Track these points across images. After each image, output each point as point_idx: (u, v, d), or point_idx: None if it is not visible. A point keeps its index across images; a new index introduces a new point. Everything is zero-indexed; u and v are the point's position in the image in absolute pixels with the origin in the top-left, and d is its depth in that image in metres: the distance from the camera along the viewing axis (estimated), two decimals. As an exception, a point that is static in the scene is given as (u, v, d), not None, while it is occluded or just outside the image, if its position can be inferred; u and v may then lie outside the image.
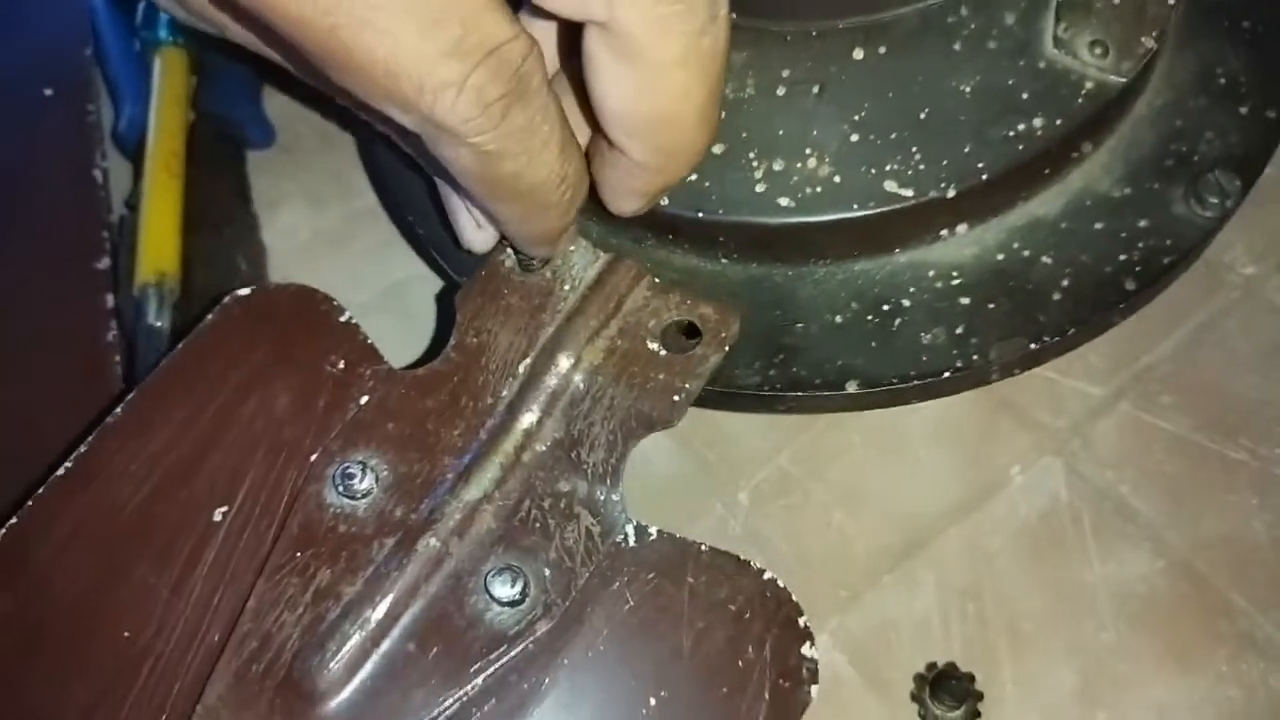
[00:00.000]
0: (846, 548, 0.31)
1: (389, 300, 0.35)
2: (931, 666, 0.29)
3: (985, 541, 0.30)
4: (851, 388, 0.29)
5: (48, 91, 0.40)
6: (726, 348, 0.28)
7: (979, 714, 0.28)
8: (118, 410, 0.27)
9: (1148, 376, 0.32)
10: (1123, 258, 0.30)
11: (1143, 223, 0.30)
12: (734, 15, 0.30)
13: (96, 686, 0.24)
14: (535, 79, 0.22)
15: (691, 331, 0.28)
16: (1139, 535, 0.30)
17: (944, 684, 0.28)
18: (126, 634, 0.25)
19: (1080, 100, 0.30)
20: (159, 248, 0.35)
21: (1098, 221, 0.30)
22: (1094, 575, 0.30)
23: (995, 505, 0.31)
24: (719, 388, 0.28)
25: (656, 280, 0.28)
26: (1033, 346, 0.29)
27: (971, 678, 0.28)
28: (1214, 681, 0.28)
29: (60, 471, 0.27)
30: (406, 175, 0.33)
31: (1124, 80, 0.30)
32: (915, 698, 0.29)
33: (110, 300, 0.35)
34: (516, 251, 0.28)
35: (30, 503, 0.26)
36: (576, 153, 0.25)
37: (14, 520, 0.26)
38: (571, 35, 0.24)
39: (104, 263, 0.36)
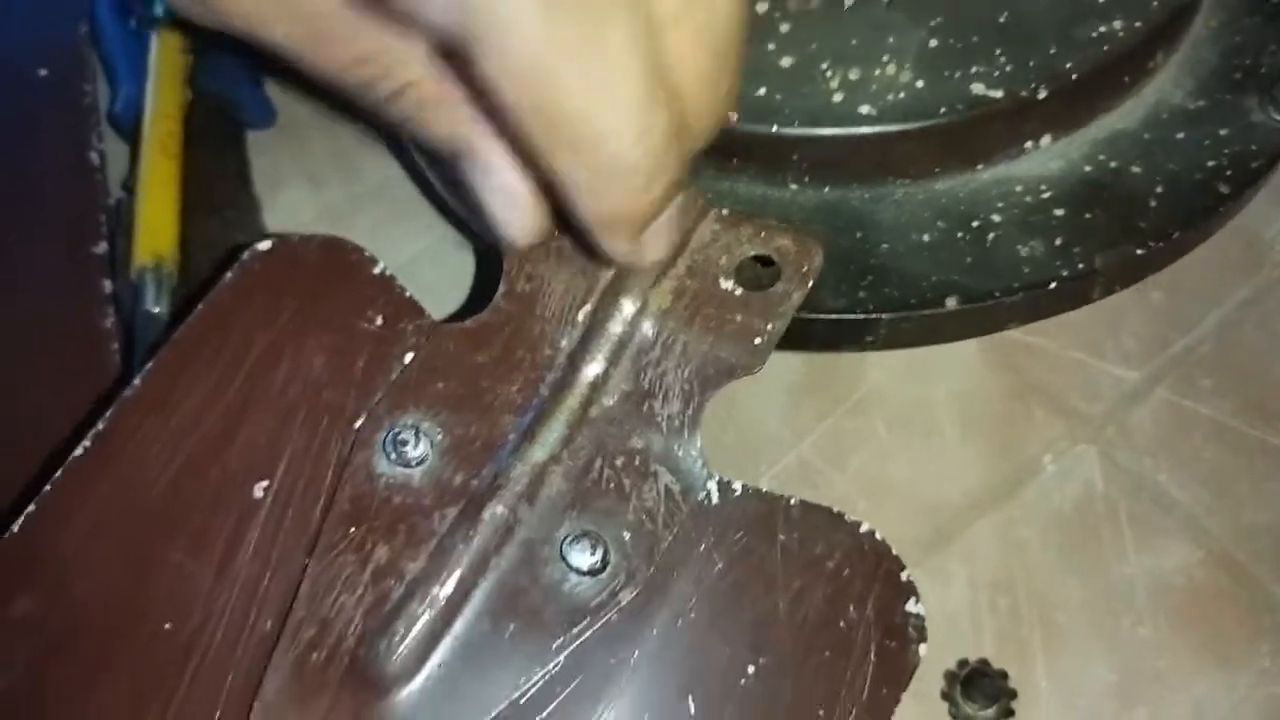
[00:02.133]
0: None
1: (402, 279, 0.33)
2: (963, 664, 0.28)
3: (1017, 533, 0.29)
4: (952, 303, 0.27)
5: (42, 72, 0.39)
6: (810, 282, 0.25)
7: (1012, 713, 0.27)
8: (135, 382, 0.25)
9: (1185, 360, 0.31)
10: (1211, 164, 0.29)
11: (1224, 131, 0.30)
12: None
13: (138, 689, 0.22)
14: None
15: (767, 266, 0.26)
16: (1177, 525, 0.29)
17: (976, 682, 0.27)
18: (168, 626, 0.23)
19: (1155, 4, 0.29)
20: (156, 231, 0.34)
21: (1179, 132, 0.30)
22: (1131, 567, 0.29)
23: (1027, 495, 0.30)
24: (802, 314, 0.26)
25: (725, 212, 0.26)
26: (1139, 253, 0.28)
27: (1004, 675, 0.27)
28: (1256, 677, 0.27)
29: (78, 452, 0.24)
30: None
31: None
32: (946, 696, 0.28)
33: (108, 285, 0.34)
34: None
35: (46, 490, 0.24)
36: (665, 110, 0.20)
37: (30, 509, 0.23)
38: None
39: (101, 247, 0.35)
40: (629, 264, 0.24)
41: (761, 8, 0.30)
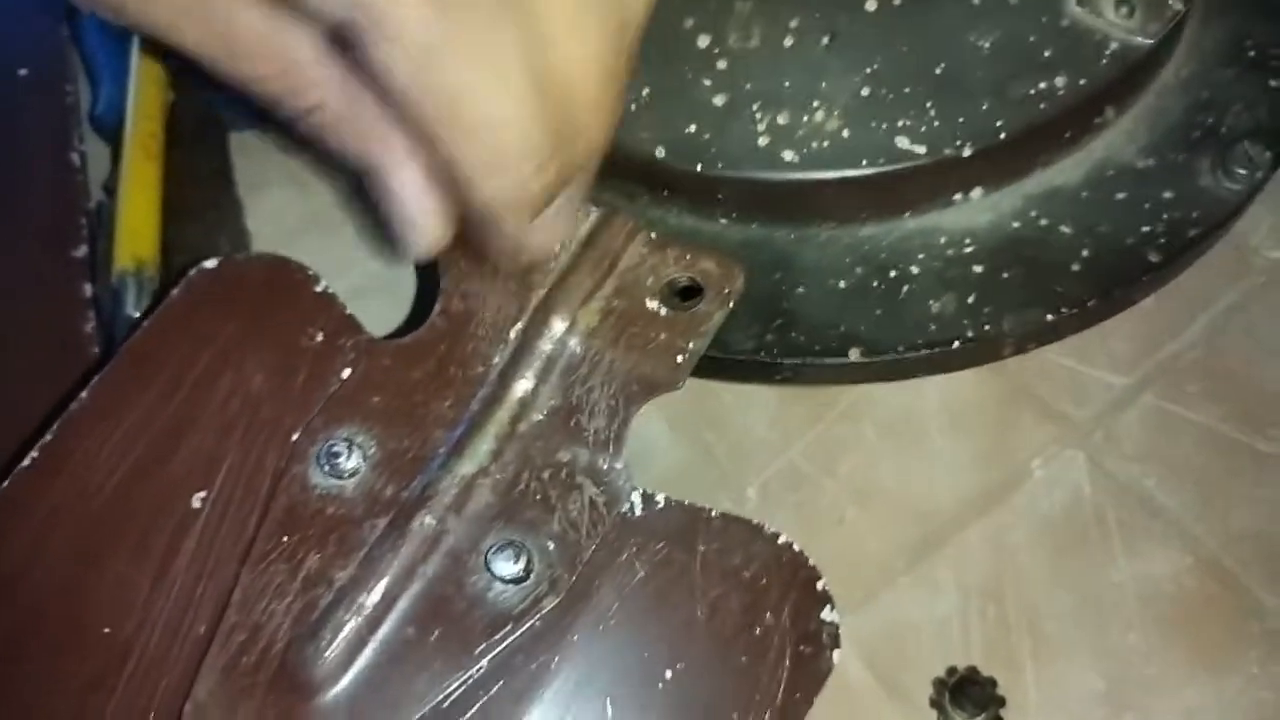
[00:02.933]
0: (860, 546, 0.30)
1: (381, 283, 0.33)
2: (952, 671, 0.28)
3: (1006, 539, 0.29)
4: (854, 355, 0.28)
5: (22, 72, 0.38)
6: (731, 303, 0.26)
7: (1001, 720, 0.27)
8: (82, 395, 0.26)
9: (1173, 365, 0.31)
10: (1146, 229, 0.29)
11: (1167, 194, 0.29)
12: None
13: (77, 689, 0.23)
14: None
15: (691, 290, 0.27)
16: (1166, 531, 0.29)
17: (965, 689, 0.27)
18: (107, 630, 0.23)
19: (1104, 61, 0.29)
20: (137, 234, 0.34)
21: (1120, 192, 0.29)
22: (1119, 574, 0.29)
23: (1016, 501, 0.30)
24: (714, 353, 0.27)
25: (653, 235, 0.27)
26: (1049, 318, 0.28)
27: (993, 682, 0.27)
28: (1245, 684, 0.27)
29: (25, 463, 0.25)
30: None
31: (1150, 43, 0.29)
32: (935, 704, 0.28)
33: (89, 289, 0.33)
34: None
35: (-6, 495, 0.24)
36: (552, 100, 0.21)
37: (-24, 517, 0.24)
38: None
39: (82, 250, 0.34)
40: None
41: (703, 41, 0.30)
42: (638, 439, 0.30)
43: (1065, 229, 0.29)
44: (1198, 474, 0.30)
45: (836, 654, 0.24)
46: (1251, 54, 0.31)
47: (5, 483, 0.25)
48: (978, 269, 0.29)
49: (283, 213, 0.36)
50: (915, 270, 0.29)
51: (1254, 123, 0.30)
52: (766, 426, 0.31)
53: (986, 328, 0.28)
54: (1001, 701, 0.27)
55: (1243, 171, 0.29)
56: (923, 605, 0.29)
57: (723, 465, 0.31)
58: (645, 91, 0.29)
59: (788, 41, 0.29)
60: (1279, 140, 0.29)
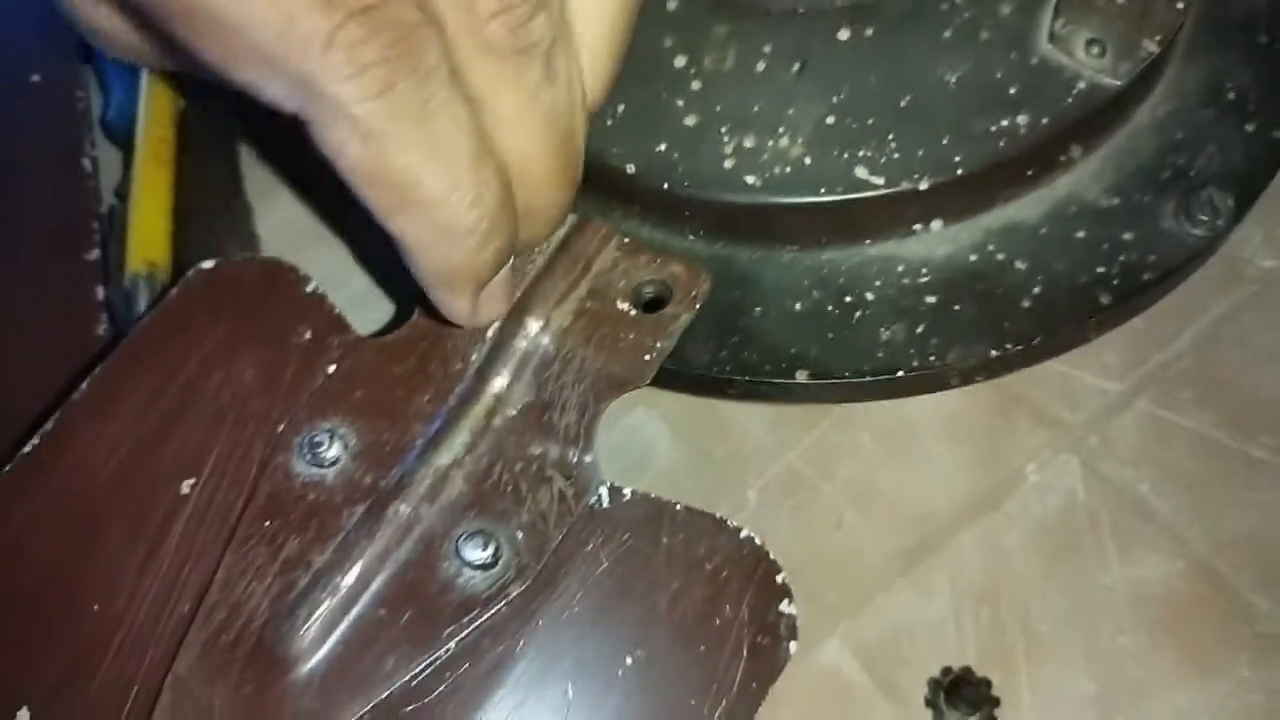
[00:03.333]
0: (858, 549, 0.30)
1: (386, 289, 0.35)
2: (947, 671, 0.28)
3: (1001, 542, 0.30)
4: (801, 377, 0.28)
5: (35, 78, 0.39)
6: (697, 306, 0.27)
7: (995, 720, 0.28)
8: (82, 387, 0.27)
9: (1166, 372, 0.31)
10: (1100, 270, 0.29)
11: (1127, 235, 0.29)
12: None
13: (68, 660, 0.24)
14: (430, 55, 0.20)
15: (659, 300, 0.28)
16: (1158, 536, 0.29)
17: (960, 689, 0.27)
18: (97, 607, 0.25)
19: (1070, 100, 0.28)
20: (149, 238, 0.35)
21: (1080, 230, 0.29)
22: (1112, 577, 0.29)
23: (1011, 505, 0.30)
24: (671, 365, 0.28)
25: (626, 240, 0.28)
26: (994, 354, 0.28)
27: (988, 683, 0.28)
28: (1235, 686, 0.27)
29: (26, 449, 0.26)
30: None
31: (1119, 83, 0.29)
32: (930, 704, 0.28)
33: (101, 292, 0.35)
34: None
35: (-4, 479, 0.26)
36: (494, 176, 0.22)
37: (-19, 500, 0.26)
38: None
39: (94, 254, 0.35)
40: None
41: (679, 62, 0.30)
42: (638, 442, 0.32)
43: (1020, 265, 0.29)
44: (1190, 479, 0.30)
45: (793, 645, 0.25)
46: (1231, 96, 0.31)
47: (8, 467, 0.26)
48: (930, 299, 0.29)
49: (291, 218, 0.37)
50: (871, 297, 0.29)
51: (1224, 167, 0.29)
52: (765, 431, 0.32)
53: (931, 359, 0.28)
54: (996, 702, 0.28)
55: (1205, 218, 0.29)
56: (919, 607, 0.29)
57: (722, 469, 0.31)
58: (620, 108, 0.30)
59: (760, 66, 0.30)
60: (1246, 187, 0.29)
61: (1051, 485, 0.30)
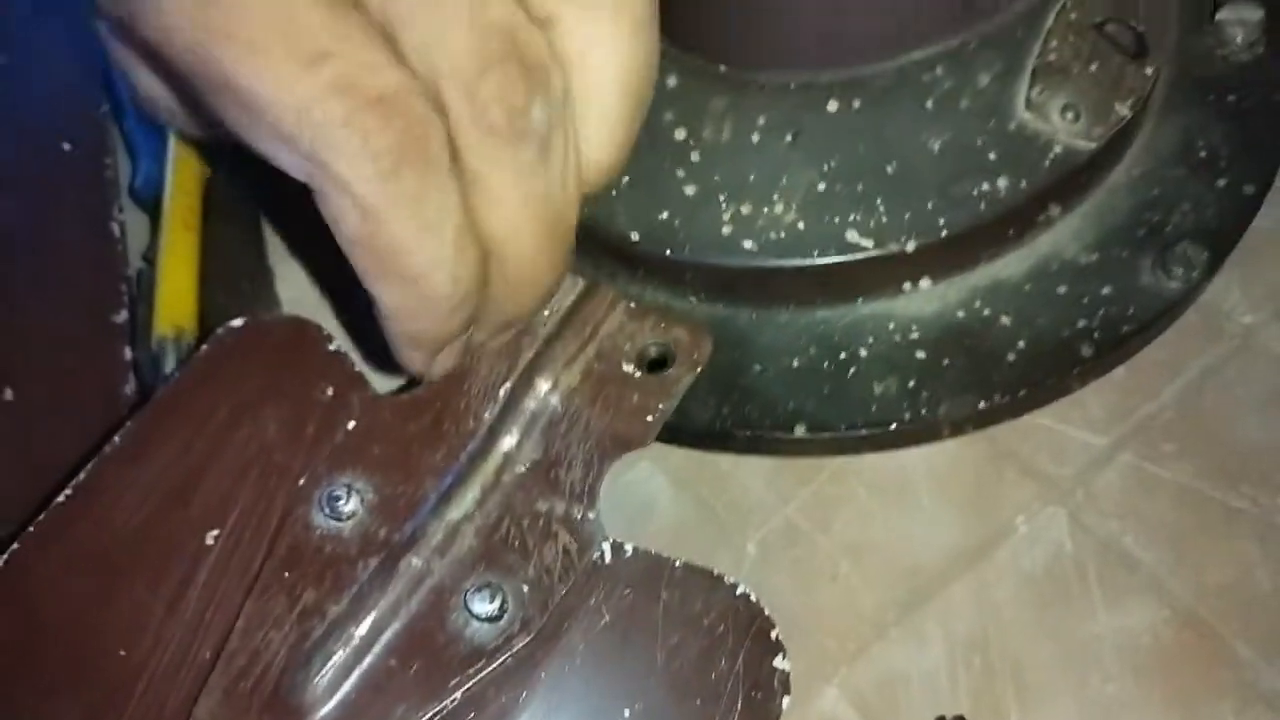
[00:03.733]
0: (853, 600, 0.31)
1: (410, 384, 0.36)
2: (941, 719, 0.29)
3: (991, 593, 0.31)
4: (800, 431, 0.29)
5: (66, 146, 0.41)
6: (700, 368, 0.29)
7: (987, 767, 0.28)
8: (115, 438, 0.29)
9: (1148, 426, 0.32)
10: (1082, 323, 0.30)
11: (1106, 290, 0.30)
12: (722, 66, 0.32)
13: (92, 703, 0.25)
14: (434, 145, 0.22)
15: (663, 360, 0.29)
16: (1144, 585, 0.30)
17: None
18: (122, 652, 0.26)
19: (1047, 163, 0.30)
20: (176, 302, 0.36)
21: (1061, 286, 0.31)
22: (1100, 626, 0.30)
23: (1001, 556, 0.31)
24: (674, 421, 0.29)
25: (632, 305, 0.29)
26: (982, 405, 0.29)
27: None
28: None
29: (60, 498, 0.28)
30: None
31: (1093, 146, 0.30)
32: None
33: (128, 353, 0.36)
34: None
35: (31, 528, 0.27)
36: (474, 256, 0.24)
37: (15, 546, 0.27)
38: None
39: (122, 316, 0.36)
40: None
41: (679, 135, 0.32)
42: (642, 495, 0.33)
43: (1006, 320, 0.30)
44: (1173, 530, 0.31)
45: (786, 700, 0.26)
46: (1203, 154, 0.32)
47: (42, 514, 0.28)
48: (921, 354, 0.30)
49: (310, 281, 0.39)
50: (864, 353, 0.30)
51: (1198, 222, 0.31)
52: (763, 486, 0.33)
53: (923, 412, 0.29)
54: (988, 748, 0.28)
55: (1180, 270, 0.30)
56: (913, 656, 0.30)
57: (722, 522, 0.33)
58: (625, 179, 0.31)
59: (755, 137, 0.31)
60: (1220, 240, 0.30)
61: (1040, 537, 0.31)
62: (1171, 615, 0.30)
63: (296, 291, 0.39)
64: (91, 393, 0.35)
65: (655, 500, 0.33)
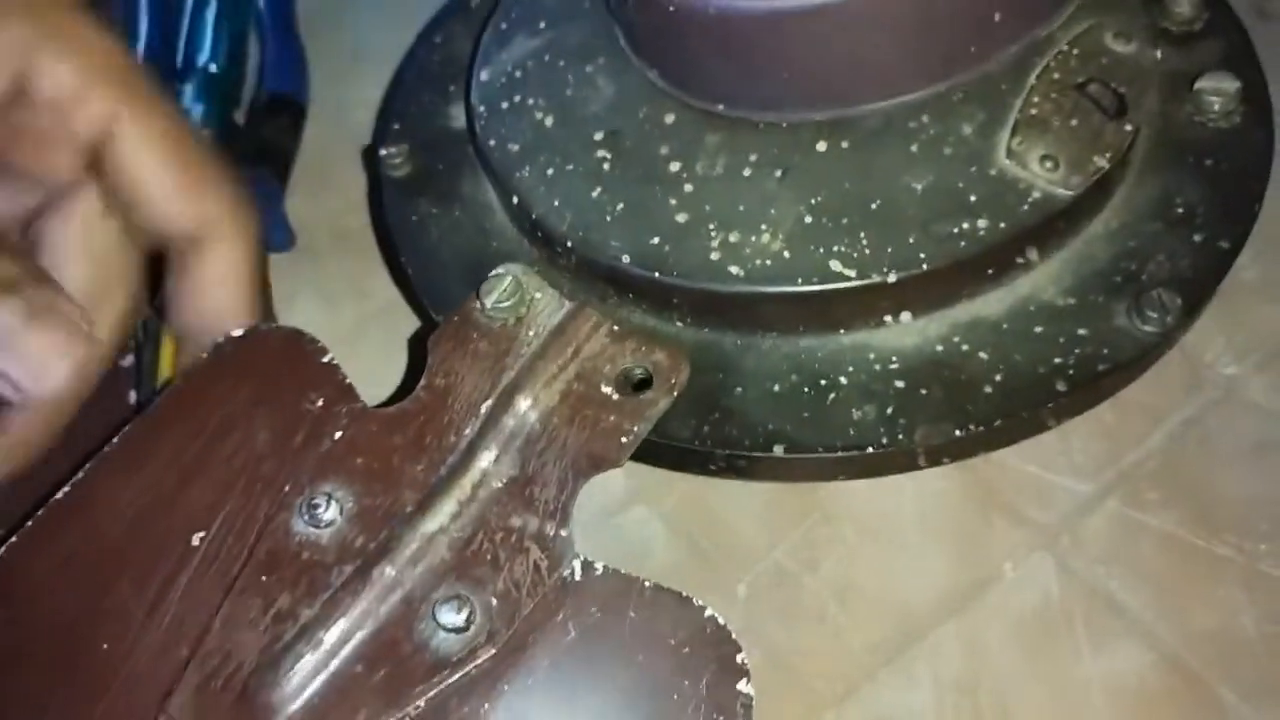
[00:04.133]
0: (842, 641, 0.31)
1: (399, 396, 0.36)
2: None
3: (980, 636, 0.31)
4: (778, 451, 0.30)
5: None
6: (675, 393, 0.29)
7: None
8: (113, 442, 0.30)
9: (1134, 474, 0.33)
10: (1057, 361, 0.30)
11: (1082, 331, 0.31)
12: (719, 106, 0.33)
13: (73, 696, 0.26)
14: None
15: (644, 383, 0.29)
16: (1129, 630, 0.30)
17: None
18: (105, 647, 0.27)
19: (1025, 208, 0.30)
20: None
21: (1039, 325, 0.31)
22: (1086, 670, 0.30)
23: (989, 600, 0.31)
24: (655, 438, 0.29)
25: (615, 328, 0.30)
26: (958, 434, 0.29)
27: None
28: None
29: (58, 495, 0.29)
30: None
31: (1071, 194, 0.31)
32: None
33: (133, 397, 0.37)
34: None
35: (28, 525, 0.28)
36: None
37: (13, 540, 0.28)
38: None
39: (129, 360, 0.37)
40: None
41: (674, 167, 0.33)
42: (637, 538, 0.34)
43: (983, 355, 0.31)
44: (1159, 576, 0.31)
45: (748, 724, 0.26)
46: (1180, 210, 0.32)
47: (39, 512, 0.29)
48: (899, 384, 0.30)
49: (311, 326, 0.39)
50: (844, 381, 0.31)
51: (1174, 273, 0.31)
52: (755, 529, 0.34)
53: (900, 437, 0.30)
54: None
55: (1154, 315, 0.30)
56: (901, 698, 0.30)
57: (714, 564, 0.33)
58: (620, 206, 0.33)
59: (746, 171, 0.32)
60: (1194, 290, 0.31)
61: (1027, 582, 0.31)
62: (1158, 660, 0.30)
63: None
64: (97, 434, 0.34)
65: (650, 543, 0.34)
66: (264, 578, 0.27)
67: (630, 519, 0.34)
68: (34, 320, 0.29)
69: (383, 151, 0.38)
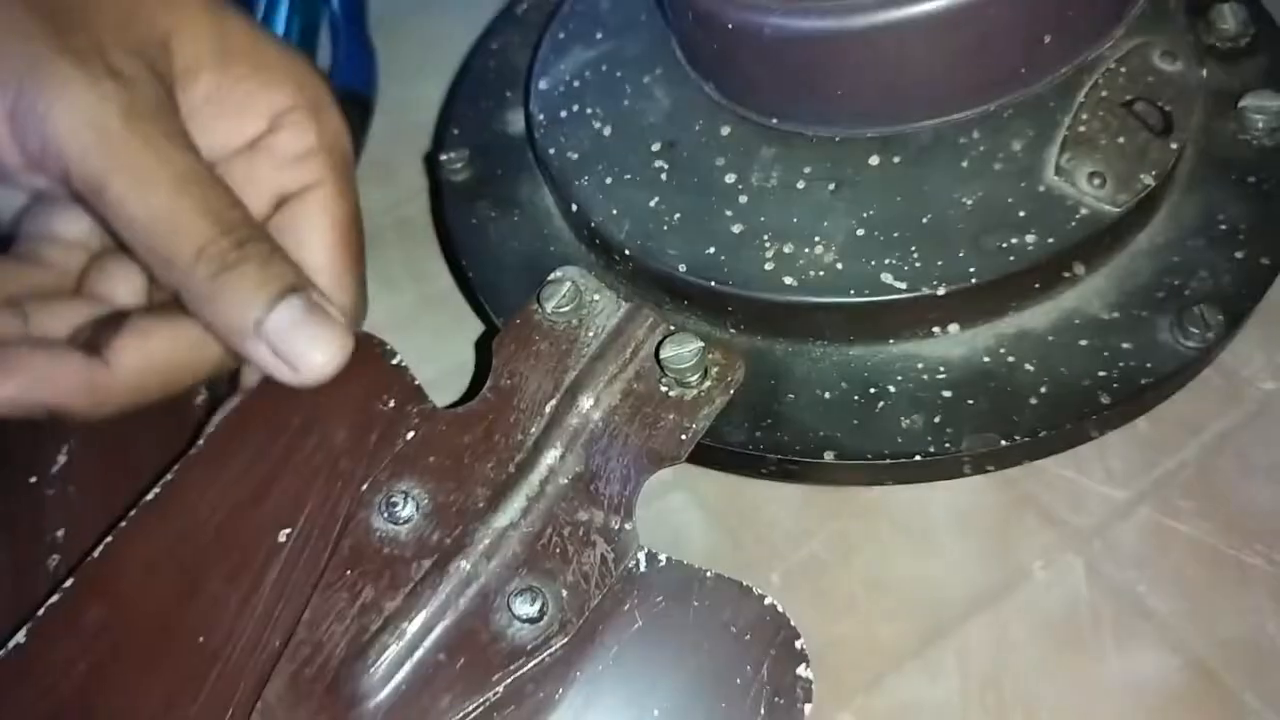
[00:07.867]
0: (872, 631, 0.32)
1: (453, 378, 0.38)
2: None
3: (1007, 633, 0.32)
4: (829, 457, 0.31)
5: None
6: (731, 391, 0.30)
7: (996, 804, 0.29)
8: (200, 442, 0.31)
9: (1167, 482, 0.33)
10: (1101, 374, 0.31)
11: (1126, 345, 0.31)
12: (773, 120, 0.34)
13: (173, 686, 0.28)
14: None
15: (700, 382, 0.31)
16: (1156, 634, 0.31)
17: None
18: (200, 639, 0.29)
19: (1073, 224, 0.31)
20: None
21: (1083, 339, 0.32)
22: (1112, 671, 0.31)
23: (1018, 598, 0.32)
24: (709, 442, 0.31)
25: (672, 329, 0.31)
26: (1003, 443, 0.30)
27: None
28: None
29: (148, 497, 0.31)
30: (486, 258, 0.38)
31: (1118, 210, 0.31)
32: None
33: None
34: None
35: (122, 525, 0.30)
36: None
37: (109, 540, 0.30)
38: None
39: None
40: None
41: (729, 179, 0.34)
42: (675, 525, 0.35)
43: (1029, 366, 0.31)
44: (1188, 582, 0.32)
45: (808, 708, 0.27)
46: (1223, 227, 0.33)
47: (133, 511, 0.30)
48: (947, 394, 0.31)
49: (373, 308, 0.39)
50: (892, 389, 0.32)
51: (1215, 288, 0.32)
52: (791, 520, 0.35)
53: (947, 446, 0.30)
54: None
55: (1196, 331, 0.31)
56: (927, 688, 0.31)
57: (750, 553, 0.34)
58: (677, 216, 0.34)
59: (800, 185, 0.33)
60: (1236, 306, 0.31)
61: (1057, 582, 0.32)
62: (1183, 664, 0.30)
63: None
64: (167, 403, 0.34)
65: (688, 530, 0.35)
66: (348, 572, 0.29)
67: (669, 506, 0.35)
68: (310, 316, 0.31)
69: (443, 157, 0.39)
